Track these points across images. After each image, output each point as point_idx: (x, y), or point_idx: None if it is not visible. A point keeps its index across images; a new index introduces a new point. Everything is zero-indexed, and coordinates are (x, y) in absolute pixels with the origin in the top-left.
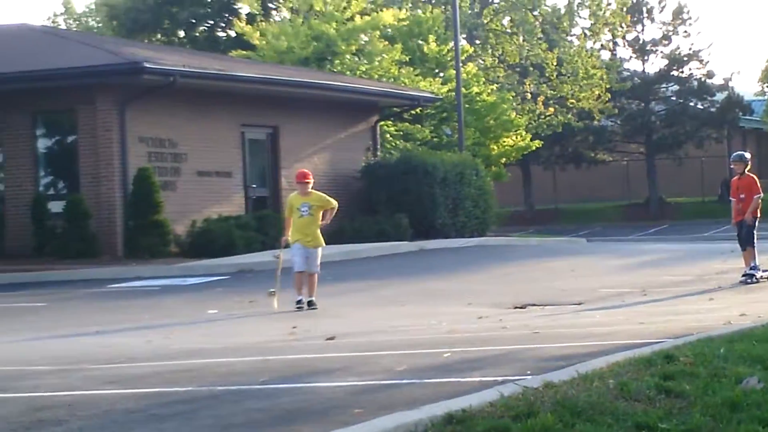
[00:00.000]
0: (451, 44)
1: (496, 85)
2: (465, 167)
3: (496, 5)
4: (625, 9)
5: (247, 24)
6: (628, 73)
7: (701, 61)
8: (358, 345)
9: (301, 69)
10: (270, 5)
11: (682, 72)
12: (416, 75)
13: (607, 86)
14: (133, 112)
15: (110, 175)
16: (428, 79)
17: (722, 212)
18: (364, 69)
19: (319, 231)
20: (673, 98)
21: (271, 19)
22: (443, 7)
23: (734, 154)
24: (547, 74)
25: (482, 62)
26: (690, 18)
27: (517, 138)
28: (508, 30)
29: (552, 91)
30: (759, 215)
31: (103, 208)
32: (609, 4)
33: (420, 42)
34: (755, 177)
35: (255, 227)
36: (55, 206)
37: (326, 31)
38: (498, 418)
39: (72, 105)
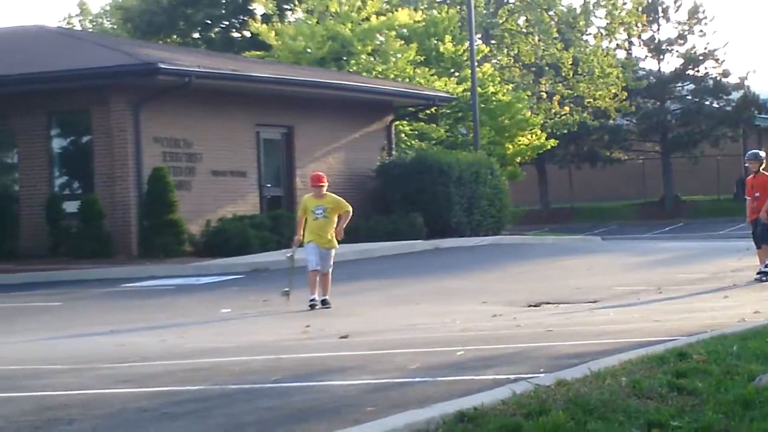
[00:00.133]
0: (467, 44)
1: (511, 84)
2: (480, 166)
3: (511, 5)
4: (640, 8)
5: (262, 24)
6: (644, 73)
7: (717, 60)
8: (371, 343)
9: (316, 69)
10: (285, 6)
11: (698, 71)
12: (432, 75)
13: (623, 84)
14: (148, 113)
15: (125, 175)
16: (444, 78)
17: (737, 210)
18: (380, 69)
19: (333, 233)
20: (689, 97)
21: (286, 20)
22: (458, 7)
23: (749, 152)
24: (563, 74)
25: (498, 62)
26: (706, 17)
27: (532, 137)
28: (524, 30)
29: (568, 91)
30: None
31: (118, 208)
32: (625, 4)
33: (436, 42)
34: None
35: (269, 227)
36: (70, 206)
37: (342, 32)
38: (510, 416)
39: (87, 106)
